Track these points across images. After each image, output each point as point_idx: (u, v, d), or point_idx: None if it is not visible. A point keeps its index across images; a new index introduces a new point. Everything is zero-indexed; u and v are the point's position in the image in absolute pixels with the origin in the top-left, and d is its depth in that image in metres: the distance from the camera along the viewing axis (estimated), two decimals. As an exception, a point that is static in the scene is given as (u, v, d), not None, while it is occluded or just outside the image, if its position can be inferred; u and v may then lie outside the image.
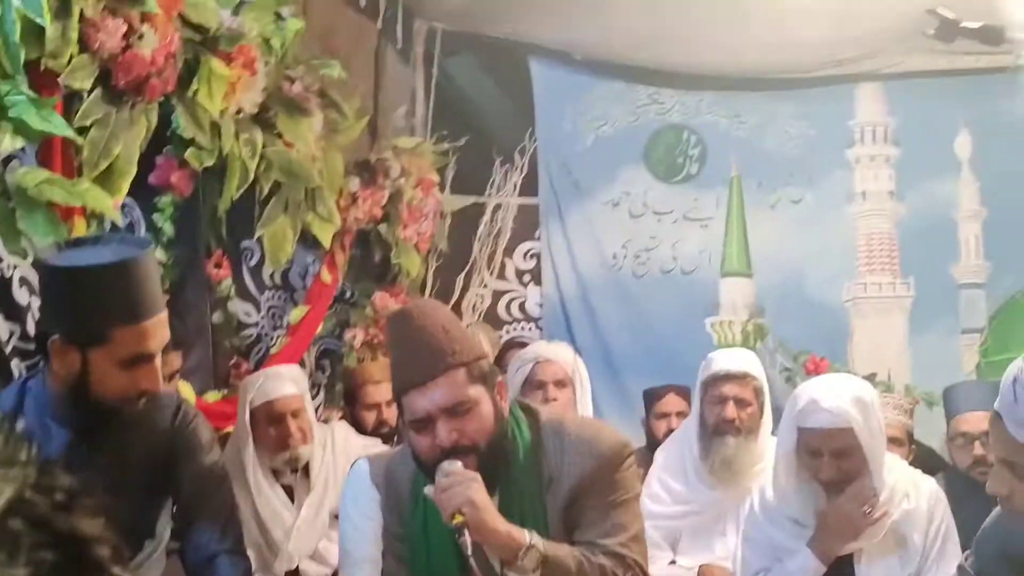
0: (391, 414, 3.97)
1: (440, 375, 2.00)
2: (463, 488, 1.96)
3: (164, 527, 2.34)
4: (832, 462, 2.67)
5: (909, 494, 2.80)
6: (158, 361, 2.06)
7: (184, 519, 2.25)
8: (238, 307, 3.88)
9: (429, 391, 1.99)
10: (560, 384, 3.54)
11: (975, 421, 3.56)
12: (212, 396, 3.56)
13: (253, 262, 3.98)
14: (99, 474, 2.03)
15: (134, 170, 3.13)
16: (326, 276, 4.05)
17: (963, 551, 2.79)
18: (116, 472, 2.10)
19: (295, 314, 3.98)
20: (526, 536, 1.99)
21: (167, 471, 2.21)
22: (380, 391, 3.99)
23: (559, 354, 3.68)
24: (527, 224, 5.26)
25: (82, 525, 0.65)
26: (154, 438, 2.19)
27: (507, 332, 5.14)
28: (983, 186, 5.17)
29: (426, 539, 2.13)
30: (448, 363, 2.01)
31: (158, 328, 2.05)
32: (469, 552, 1.92)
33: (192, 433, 2.23)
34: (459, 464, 2.00)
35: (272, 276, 4.05)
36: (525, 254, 5.26)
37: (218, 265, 3.67)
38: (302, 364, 3.97)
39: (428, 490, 2.01)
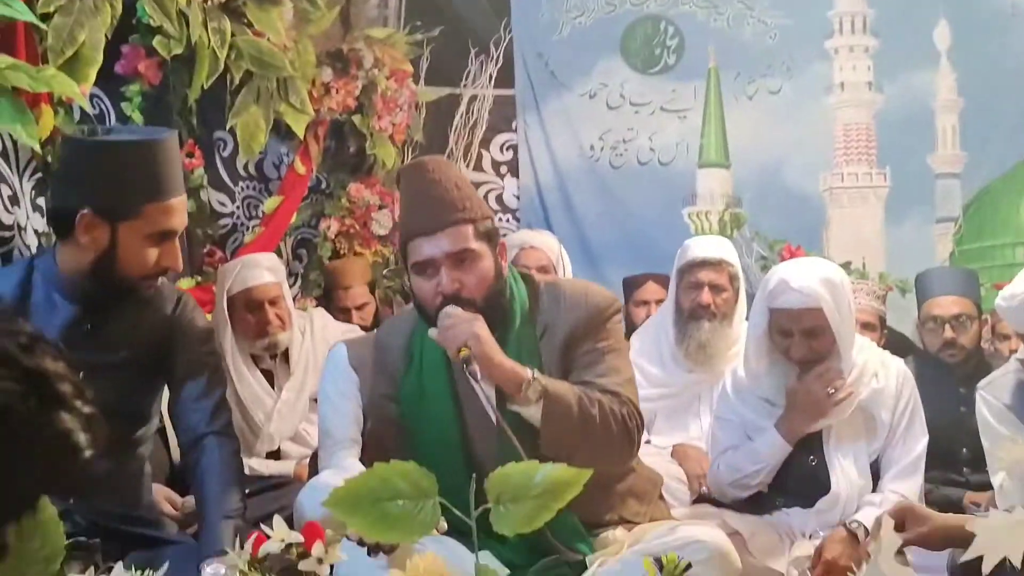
0: (362, 317, 4.00)
1: (448, 227, 2.10)
2: (468, 325, 2.05)
3: (156, 412, 2.41)
4: (803, 341, 2.71)
5: (878, 374, 2.85)
6: (176, 242, 2.15)
7: (176, 402, 2.32)
8: (212, 196, 3.89)
9: (436, 239, 2.11)
10: (543, 271, 3.57)
11: (947, 305, 3.61)
12: (186, 283, 3.57)
13: (227, 152, 3.96)
14: (100, 352, 2.13)
15: (100, 58, 3.10)
16: (300, 167, 4.04)
17: (928, 430, 2.87)
18: (116, 351, 2.20)
19: (269, 204, 3.98)
20: (528, 371, 2.08)
21: (164, 356, 2.29)
22: (351, 296, 4.03)
23: (544, 242, 3.72)
24: (503, 116, 5.20)
25: (45, 363, 0.69)
26: (155, 324, 2.27)
27: (484, 224, 5.13)
28: (960, 77, 5.13)
29: (421, 394, 2.21)
30: (457, 217, 2.11)
31: (181, 208, 2.16)
32: (479, 378, 2.00)
33: (190, 322, 2.32)
34: (459, 308, 2.09)
35: (246, 167, 4.05)
36: (502, 146, 5.23)
37: (190, 154, 3.64)
38: (278, 253, 3.98)
39: (432, 332, 2.09)
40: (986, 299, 3.93)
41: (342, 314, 3.96)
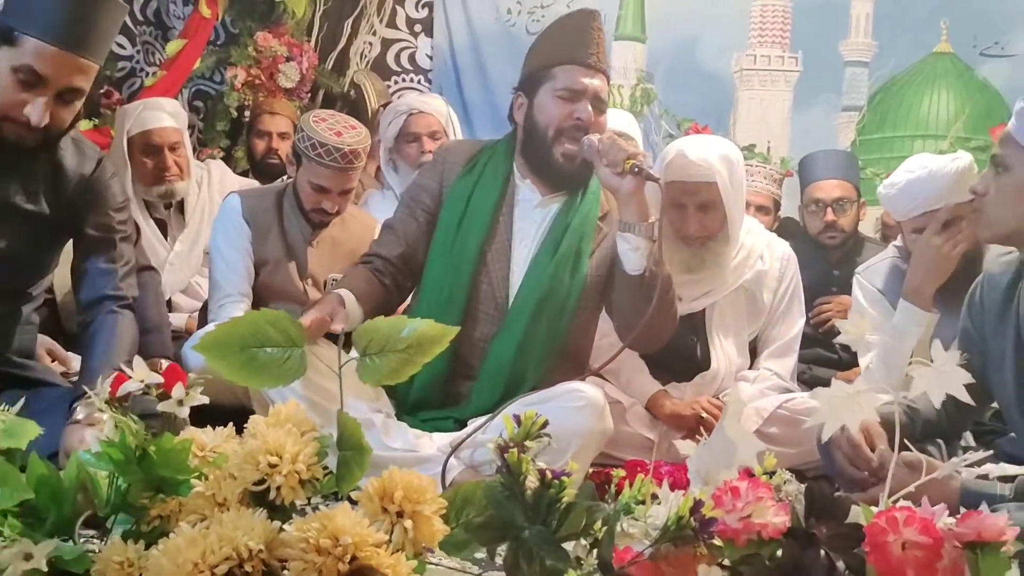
0: (282, 145, 3.93)
1: (602, 72, 2.45)
2: (630, 144, 2.42)
3: (53, 267, 2.38)
4: (696, 215, 2.74)
5: (763, 256, 2.92)
6: (49, 96, 2.02)
7: (83, 261, 2.28)
8: (111, 37, 3.74)
9: (593, 75, 2.42)
10: (434, 136, 3.55)
11: (829, 188, 3.66)
12: (83, 125, 3.48)
13: (127, -9, 3.81)
14: (9, 194, 2.11)
15: None
16: (205, 9, 3.91)
17: (807, 310, 2.96)
18: (28, 197, 2.16)
19: (171, 47, 3.86)
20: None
21: (75, 213, 2.24)
22: (275, 122, 3.98)
23: (432, 105, 3.65)
24: (419, -29, 5.09)
25: None
26: (72, 179, 2.22)
27: (395, 83, 5.05)
28: (878, -36, 5.15)
29: (467, 200, 2.50)
30: (607, 69, 2.48)
31: (71, 65, 2.02)
32: (653, 171, 2.36)
33: (107, 186, 2.28)
34: None
35: (144, 10, 3.91)
36: (417, 3, 5.10)
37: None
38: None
39: (593, 138, 2.36)
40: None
41: (262, 139, 3.92)
